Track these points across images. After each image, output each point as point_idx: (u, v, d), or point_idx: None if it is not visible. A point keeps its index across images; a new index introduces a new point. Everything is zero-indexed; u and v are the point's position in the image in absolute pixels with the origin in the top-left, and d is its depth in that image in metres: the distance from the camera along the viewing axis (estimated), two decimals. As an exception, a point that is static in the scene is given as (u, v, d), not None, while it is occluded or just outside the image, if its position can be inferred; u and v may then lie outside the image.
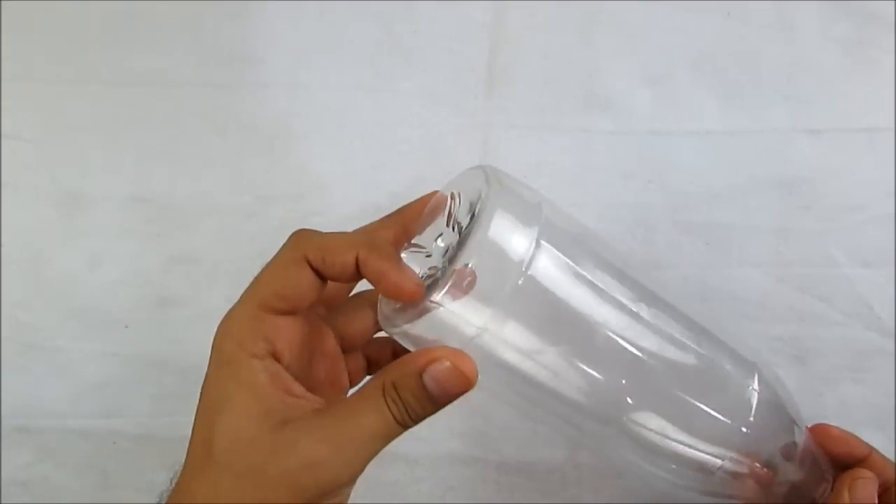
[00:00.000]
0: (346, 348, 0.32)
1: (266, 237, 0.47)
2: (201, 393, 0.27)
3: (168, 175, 0.48)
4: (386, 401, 0.26)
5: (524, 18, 0.48)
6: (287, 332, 0.27)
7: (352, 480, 0.26)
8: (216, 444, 0.25)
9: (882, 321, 0.45)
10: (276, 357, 0.27)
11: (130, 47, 0.50)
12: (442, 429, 0.46)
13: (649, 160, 0.47)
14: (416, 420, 0.26)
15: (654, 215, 0.47)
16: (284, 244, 0.28)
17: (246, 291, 0.28)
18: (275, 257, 0.28)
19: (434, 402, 0.26)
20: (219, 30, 0.49)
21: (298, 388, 0.27)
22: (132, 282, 0.48)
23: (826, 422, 0.45)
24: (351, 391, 0.32)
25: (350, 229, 0.47)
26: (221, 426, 0.25)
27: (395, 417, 0.26)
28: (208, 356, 0.27)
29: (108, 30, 0.50)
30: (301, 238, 0.28)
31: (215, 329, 0.28)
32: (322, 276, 0.27)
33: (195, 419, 0.27)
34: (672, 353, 0.30)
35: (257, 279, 0.28)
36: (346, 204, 0.48)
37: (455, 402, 0.43)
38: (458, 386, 0.26)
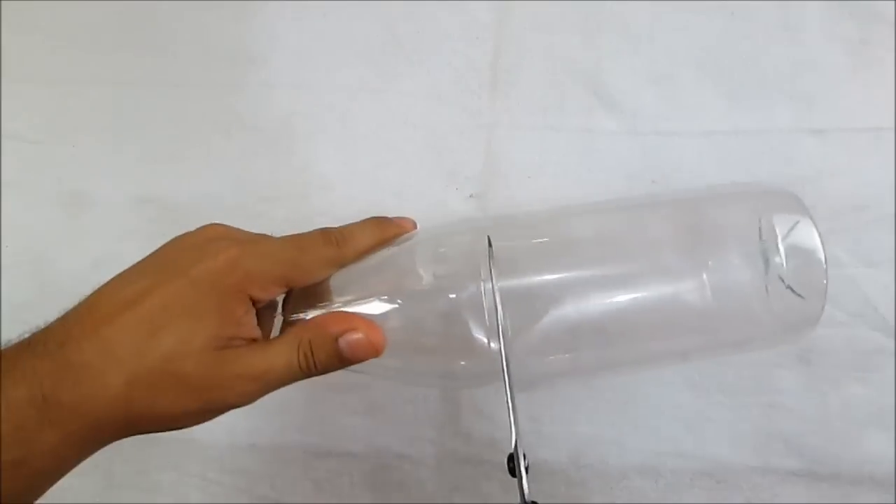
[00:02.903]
0: None
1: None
2: (173, 265, 0.30)
3: (172, 175, 0.48)
4: (298, 353, 0.30)
5: (528, 18, 0.48)
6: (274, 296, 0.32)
7: (247, 404, 0.30)
8: (163, 329, 0.28)
9: (887, 321, 0.45)
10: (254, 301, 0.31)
11: (134, 48, 0.50)
12: (447, 430, 0.46)
13: (653, 160, 0.47)
14: (322, 373, 0.31)
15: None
16: (317, 247, 0.33)
17: (280, 253, 0.31)
18: (310, 252, 0.32)
19: (343, 362, 0.31)
20: (223, 30, 0.49)
21: (250, 318, 0.31)
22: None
23: (830, 422, 0.45)
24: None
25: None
26: (178, 323, 0.28)
27: (300, 367, 0.30)
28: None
29: (111, 30, 0.50)
30: (337, 248, 0.33)
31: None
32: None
33: (146, 281, 0.29)
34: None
35: (296, 257, 0.32)
36: (351, 204, 0.48)
37: (459, 404, 0.43)
38: (367, 354, 0.31)
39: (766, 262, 0.34)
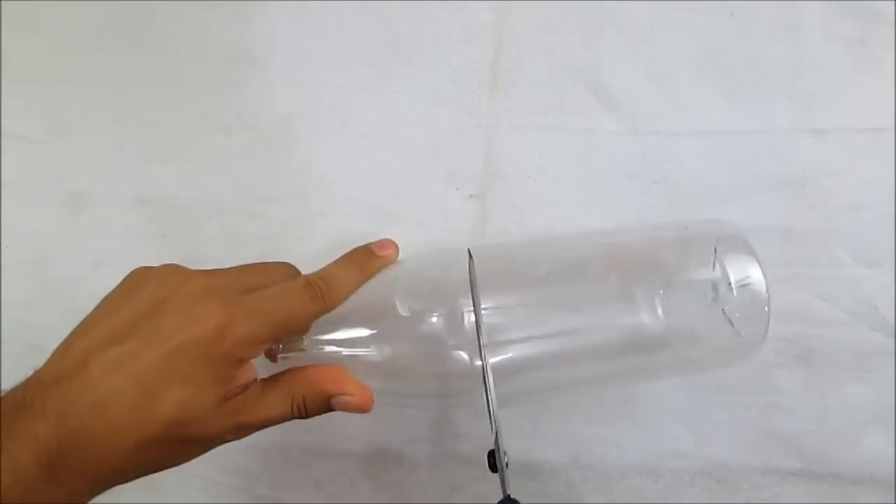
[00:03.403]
0: None
1: (270, 237, 0.48)
2: (151, 327, 0.30)
3: (172, 175, 0.48)
4: (292, 405, 0.33)
5: (528, 18, 0.48)
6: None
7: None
8: (162, 405, 0.29)
9: (886, 321, 0.45)
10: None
11: (134, 48, 0.50)
12: (446, 430, 0.46)
13: (653, 160, 0.47)
14: (309, 418, 0.34)
15: (657, 215, 0.47)
16: (302, 301, 0.33)
17: (268, 312, 0.32)
18: (297, 307, 0.33)
19: (330, 411, 0.34)
20: (223, 30, 0.49)
21: (241, 375, 0.32)
22: (136, 282, 0.48)
23: (830, 422, 0.45)
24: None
25: (352, 229, 0.47)
26: (174, 394, 0.29)
27: (292, 415, 0.33)
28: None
29: (111, 30, 0.50)
30: (320, 302, 0.34)
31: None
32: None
33: (129, 345, 0.30)
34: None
35: (282, 310, 0.32)
36: (350, 204, 0.48)
37: (460, 405, 0.43)
38: (356, 411, 0.34)
39: (715, 293, 0.38)
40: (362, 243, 0.40)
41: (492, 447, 0.34)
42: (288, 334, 0.34)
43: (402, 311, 0.35)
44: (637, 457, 0.46)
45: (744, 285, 0.37)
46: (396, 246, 0.39)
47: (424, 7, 0.49)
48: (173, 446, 0.30)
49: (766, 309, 0.37)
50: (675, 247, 0.41)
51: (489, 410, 0.34)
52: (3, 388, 0.32)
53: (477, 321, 0.34)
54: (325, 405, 0.34)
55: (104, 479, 0.29)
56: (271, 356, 0.36)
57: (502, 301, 0.38)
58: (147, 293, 0.32)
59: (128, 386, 0.29)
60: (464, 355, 0.35)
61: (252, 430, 0.33)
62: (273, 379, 0.34)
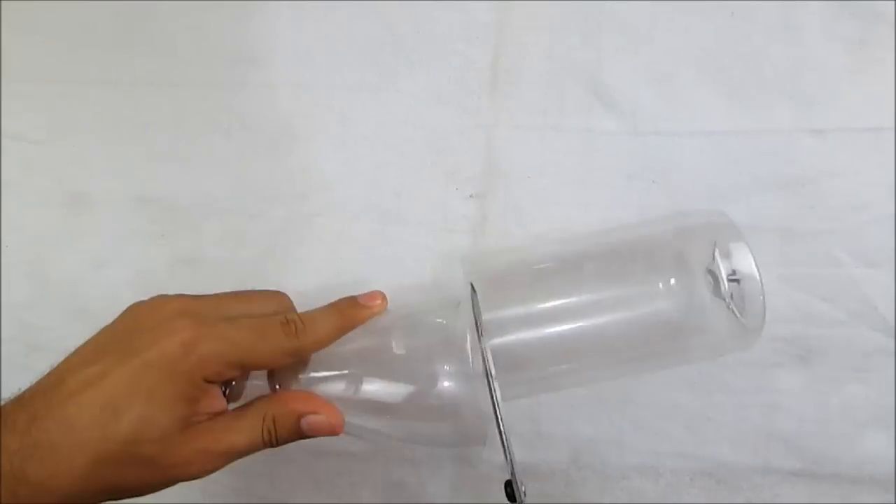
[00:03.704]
0: None
1: (270, 237, 0.48)
2: (128, 346, 0.31)
3: (172, 176, 0.48)
4: (262, 430, 0.32)
5: (528, 18, 0.48)
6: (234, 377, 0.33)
7: (205, 476, 0.32)
8: (123, 415, 0.29)
9: (887, 321, 0.45)
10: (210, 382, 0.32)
11: (134, 48, 0.50)
12: (446, 430, 0.46)
13: (653, 160, 0.47)
14: (281, 445, 0.33)
15: (657, 215, 0.47)
16: (277, 335, 0.33)
17: (240, 341, 0.32)
18: (270, 340, 0.33)
19: (301, 437, 0.34)
20: (223, 30, 0.49)
21: (207, 400, 0.32)
22: (137, 282, 0.48)
23: (830, 422, 0.45)
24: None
25: (352, 229, 0.47)
26: (137, 410, 0.29)
27: (262, 441, 0.33)
28: None
29: (111, 30, 0.50)
30: (294, 337, 0.34)
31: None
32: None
33: (105, 362, 0.30)
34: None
35: (254, 344, 0.32)
36: (350, 204, 0.48)
37: (459, 404, 0.43)
38: (325, 433, 0.34)
39: (715, 283, 0.39)
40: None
41: (503, 460, 0.34)
42: (257, 365, 0.34)
43: (398, 349, 0.36)
44: (637, 457, 0.46)
45: (737, 276, 0.38)
46: (385, 298, 0.38)
47: (424, 7, 0.49)
48: (133, 467, 0.30)
49: (762, 298, 0.38)
50: (675, 239, 0.42)
51: (503, 443, 0.34)
52: (2, 387, 0.33)
53: (484, 356, 0.34)
54: (296, 427, 0.33)
55: (64, 499, 0.29)
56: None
57: (504, 307, 0.38)
58: (130, 317, 0.33)
59: (95, 402, 0.29)
60: (464, 390, 0.35)
61: (220, 459, 0.32)
62: (243, 406, 0.34)
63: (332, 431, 0.34)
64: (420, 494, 0.46)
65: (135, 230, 0.48)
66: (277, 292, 0.37)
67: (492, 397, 0.33)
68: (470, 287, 0.37)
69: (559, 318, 0.38)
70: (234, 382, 0.35)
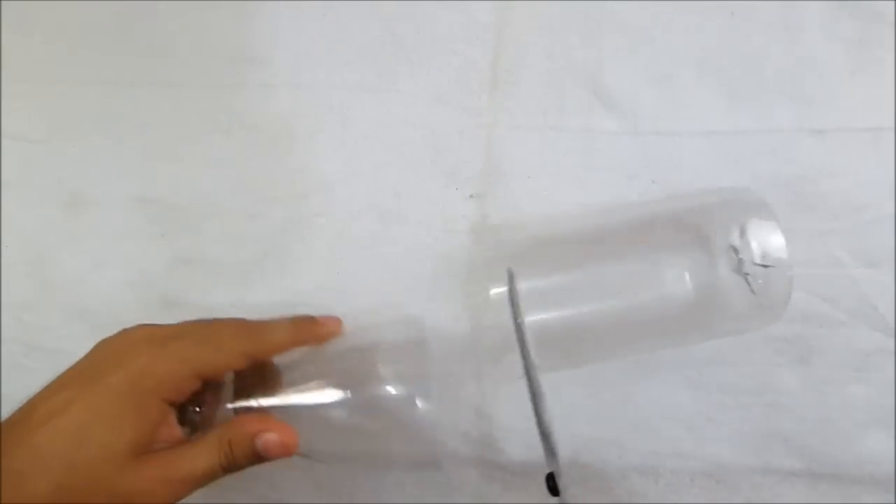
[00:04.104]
0: None
1: (270, 237, 0.48)
2: (87, 380, 0.32)
3: (172, 175, 0.48)
4: (219, 454, 0.33)
5: (528, 18, 0.48)
6: (193, 390, 0.34)
7: None
8: (85, 439, 0.30)
9: (887, 321, 0.45)
10: (172, 402, 0.33)
11: (134, 47, 0.50)
12: (447, 430, 0.46)
13: (653, 160, 0.47)
14: (239, 469, 0.34)
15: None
16: (231, 334, 0.35)
17: (188, 350, 0.33)
18: (224, 342, 0.35)
19: (258, 459, 0.34)
20: (222, 30, 0.49)
21: (170, 422, 0.33)
22: (136, 282, 0.48)
23: (830, 422, 0.45)
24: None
25: (352, 229, 0.47)
26: (98, 432, 0.31)
27: (221, 466, 0.33)
28: None
29: (111, 30, 0.50)
30: (250, 338, 0.35)
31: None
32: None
33: (62, 397, 0.31)
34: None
35: (204, 350, 0.34)
36: (350, 204, 0.48)
37: (459, 404, 0.43)
38: (280, 453, 0.34)
39: (739, 259, 0.39)
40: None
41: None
42: (215, 371, 0.34)
43: (361, 371, 0.37)
44: (637, 457, 0.46)
45: (767, 252, 0.39)
46: (341, 324, 0.39)
47: (424, 7, 0.49)
48: (94, 495, 0.30)
49: (790, 274, 0.38)
50: (701, 214, 0.43)
51: (545, 437, 0.35)
52: (2, 387, 0.33)
53: (525, 350, 0.35)
54: (252, 449, 0.34)
55: None
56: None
57: (533, 283, 0.39)
58: (95, 350, 0.34)
59: (61, 430, 0.30)
60: (424, 427, 0.36)
61: (180, 487, 0.32)
62: (201, 433, 0.34)
63: (286, 450, 0.34)
64: (420, 494, 0.46)
65: (135, 230, 0.48)
66: (240, 319, 0.37)
67: (531, 389, 0.34)
68: (508, 273, 0.38)
69: (582, 293, 0.39)
70: (200, 409, 0.35)
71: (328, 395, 0.36)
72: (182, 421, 0.35)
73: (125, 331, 0.34)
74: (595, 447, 0.46)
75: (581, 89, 0.48)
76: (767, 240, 0.39)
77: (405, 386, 0.36)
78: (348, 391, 0.36)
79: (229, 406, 0.36)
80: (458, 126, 0.48)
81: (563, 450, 0.46)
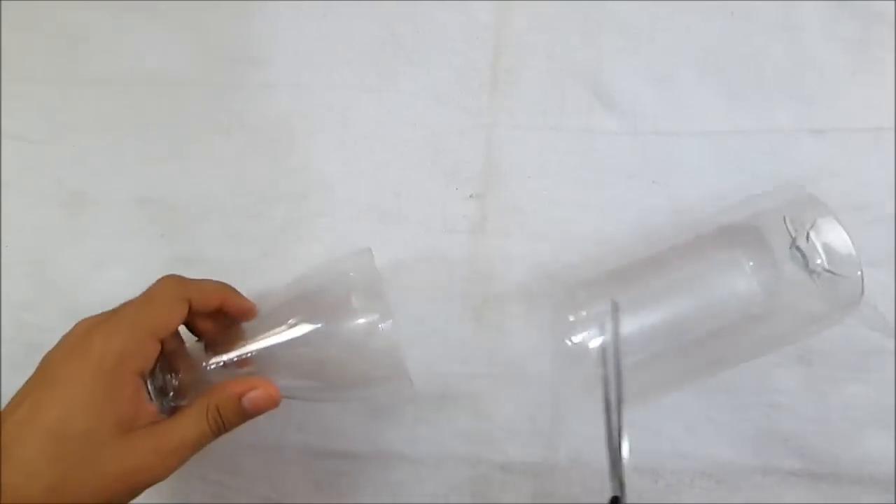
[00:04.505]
0: None
1: (270, 237, 0.48)
2: (52, 381, 0.32)
3: (172, 175, 0.48)
4: (207, 419, 0.34)
5: (528, 19, 0.48)
6: (155, 353, 0.34)
7: (168, 476, 0.33)
8: (73, 437, 0.30)
9: (887, 321, 0.45)
10: (143, 374, 0.33)
11: (134, 48, 0.50)
12: (446, 429, 0.46)
13: (653, 160, 0.47)
14: (228, 430, 0.35)
15: (657, 215, 0.47)
16: (162, 285, 0.36)
17: (128, 313, 0.34)
18: (159, 294, 0.35)
19: (246, 417, 0.35)
20: (223, 30, 0.49)
21: (145, 400, 0.34)
22: (136, 282, 0.47)
23: (830, 422, 0.45)
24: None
25: (352, 229, 0.48)
26: (84, 423, 0.31)
27: (211, 431, 0.34)
28: None
29: (111, 30, 0.50)
30: (181, 283, 0.36)
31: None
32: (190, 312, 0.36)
33: (34, 402, 0.31)
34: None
35: (142, 307, 0.34)
36: (350, 204, 0.48)
37: (459, 404, 0.44)
38: (267, 406, 0.35)
39: (804, 256, 0.39)
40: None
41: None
42: (164, 325, 0.34)
43: (318, 308, 0.38)
44: (637, 457, 0.46)
45: (831, 248, 0.39)
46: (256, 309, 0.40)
47: (424, 7, 0.49)
48: (90, 485, 0.31)
49: (859, 262, 0.39)
50: (763, 219, 0.42)
51: (615, 463, 0.36)
52: (3, 387, 0.33)
53: (618, 390, 0.36)
54: (239, 408, 0.35)
55: None
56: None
57: (595, 305, 0.40)
58: (45, 359, 0.33)
59: (37, 436, 0.30)
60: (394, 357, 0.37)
61: (172, 457, 0.33)
62: (185, 406, 0.35)
63: (272, 402, 0.36)
64: (420, 494, 0.46)
65: (135, 230, 0.48)
66: (169, 274, 0.38)
67: (609, 421, 0.36)
68: (612, 305, 0.39)
69: (651, 309, 0.40)
70: (177, 375, 0.36)
71: (300, 331, 0.37)
72: (163, 391, 0.35)
73: (64, 336, 0.34)
74: (595, 447, 0.46)
75: (581, 89, 0.48)
76: (829, 236, 0.39)
77: (369, 312, 0.37)
78: (319, 323, 0.37)
79: (207, 364, 0.36)
80: (458, 126, 0.48)
81: (563, 450, 0.46)
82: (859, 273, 0.38)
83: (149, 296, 0.35)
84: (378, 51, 0.49)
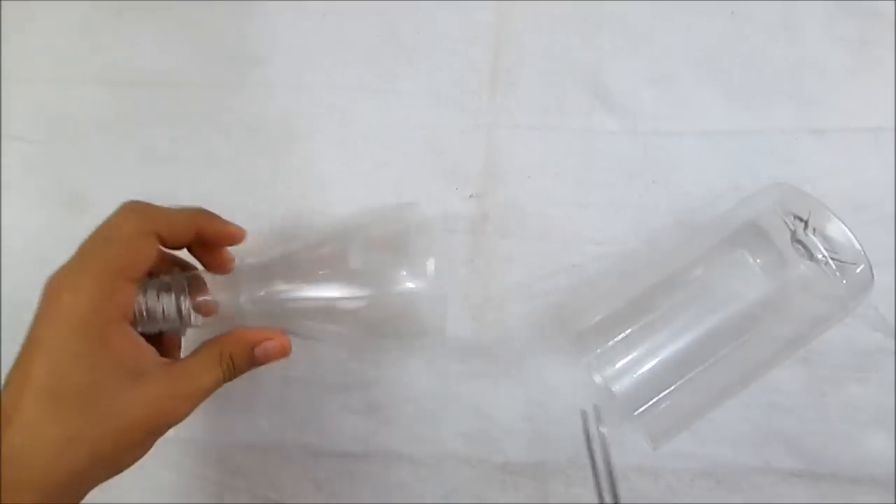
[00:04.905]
0: None
1: (270, 237, 0.48)
2: (34, 343, 0.31)
3: (172, 175, 0.48)
4: (221, 366, 0.34)
5: (528, 18, 0.48)
6: (132, 297, 0.33)
7: (178, 423, 0.33)
8: (71, 392, 0.30)
9: (887, 321, 0.45)
10: (126, 319, 0.32)
11: (134, 48, 0.50)
12: (446, 430, 0.46)
13: (653, 160, 0.47)
14: (239, 375, 0.35)
15: (657, 215, 0.47)
16: (123, 215, 0.34)
17: (91, 258, 0.32)
18: (119, 231, 0.33)
19: (255, 365, 0.36)
20: (223, 30, 0.49)
21: (142, 342, 0.33)
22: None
23: (830, 422, 0.45)
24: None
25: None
26: (79, 377, 0.30)
27: (225, 377, 0.34)
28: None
29: (111, 30, 0.50)
30: (144, 215, 0.34)
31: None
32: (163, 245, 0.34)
33: (22, 367, 0.31)
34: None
35: (104, 248, 0.33)
36: (349, 204, 0.48)
37: (458, 404, 0.43)
38: (278, 356, 0.36)
39: (806, 247, 0.39)
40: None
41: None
42: (135, 264, 0.33)
43: (354, 263, 0.38)
44: (637, 457, 0.46)
45: (832, 238, 0.39)
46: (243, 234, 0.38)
47: (424, 7, 0.49)
48: (109, 439, 0.30)
49: (860, 249, 0.39)
50: (760, 216, 0.42)
51: None
52: (2, 388, 0.32)
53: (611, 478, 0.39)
54: (250, 357, 0.35)
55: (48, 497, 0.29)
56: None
57: (612, 337, 0.40)
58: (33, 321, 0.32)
59: (40, 400, 0.29)
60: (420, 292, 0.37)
61: (187, 403, 0.33)
62: (196, 351, 0.35)
63: (284, 353, 0.36)
64: (420, 494, 0.46)
65: (135, 230, 0.48)
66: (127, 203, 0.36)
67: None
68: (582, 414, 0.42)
69: (673, 333, 0.40)
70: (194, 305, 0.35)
71: (342, 273, 0.37)
72: (168, 288, 0.34)
73: (40, 297, 0.33)
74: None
75: (581, 89, 0.48)
76: (825, 226, 0.39)
77: (418, 259, 0.37)
78: (360, 265, 0.37)
79: (241, 298, 0.36)
80: (458, 126, 0.48)
81: (564, 450, 0.46)
82: (862, 253, 0.38)
83: (107, 234, 0.33)
84: (378, 51, 0.49)
